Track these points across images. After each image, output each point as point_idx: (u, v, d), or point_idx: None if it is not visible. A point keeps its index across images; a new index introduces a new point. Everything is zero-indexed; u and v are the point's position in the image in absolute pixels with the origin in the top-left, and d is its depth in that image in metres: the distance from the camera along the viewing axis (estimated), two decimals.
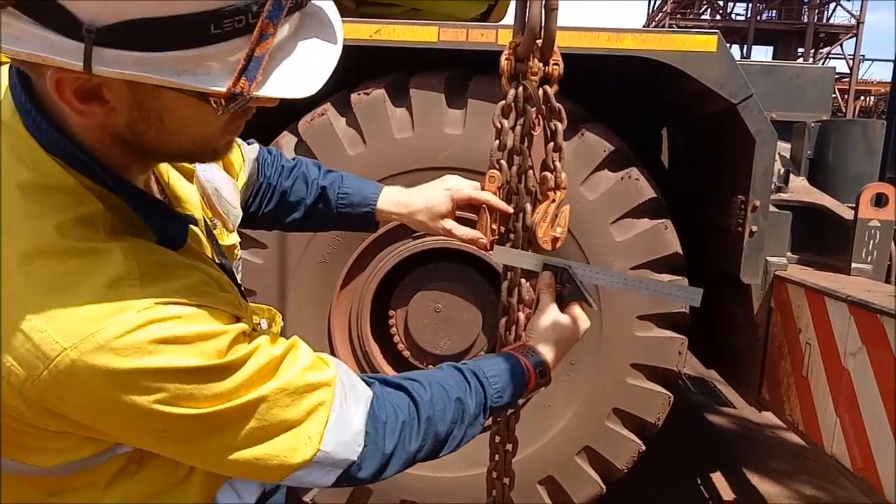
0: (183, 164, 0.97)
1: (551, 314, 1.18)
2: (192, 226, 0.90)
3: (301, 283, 2.66)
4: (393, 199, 1.37)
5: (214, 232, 1.03)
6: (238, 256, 1.12)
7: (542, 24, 1.16)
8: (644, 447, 2.72)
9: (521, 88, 1.24)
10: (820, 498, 3.70)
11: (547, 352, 1.14)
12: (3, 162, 0.74)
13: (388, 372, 2.78)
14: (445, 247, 2.64)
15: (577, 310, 1.20)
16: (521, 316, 1.35)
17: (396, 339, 2.81)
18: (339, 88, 2.67)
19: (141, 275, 0.72)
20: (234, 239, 1.08)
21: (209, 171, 1.06)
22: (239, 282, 1.03)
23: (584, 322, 1.20)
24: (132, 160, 0.81)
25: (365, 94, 2.59)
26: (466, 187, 1.34)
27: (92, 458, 0.80)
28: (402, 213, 1.37)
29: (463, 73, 2.62)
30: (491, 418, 1.06)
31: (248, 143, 1.35)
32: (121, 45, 0.64)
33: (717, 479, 3.84)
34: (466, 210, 1.39)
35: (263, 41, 0.67)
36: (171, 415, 0.72)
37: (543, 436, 2.71)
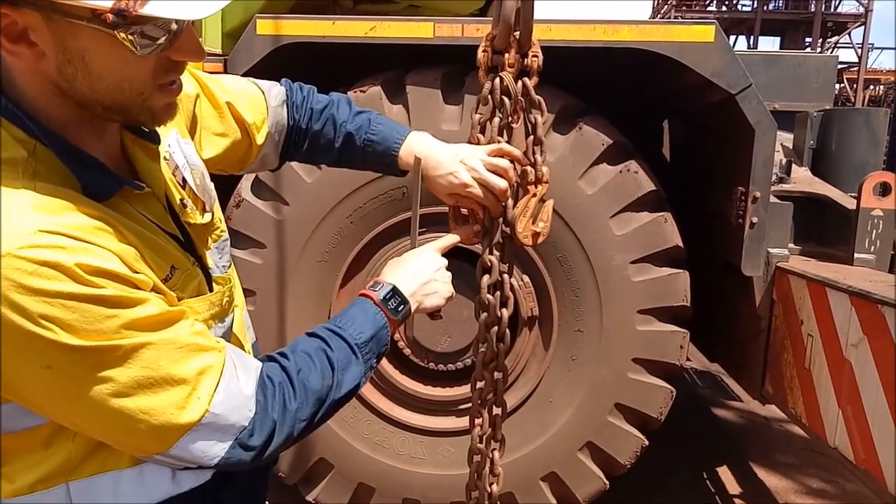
0: (148, 144, 0.99)
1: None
2: (145, 195, 0.93)
3: (300, 282, 2.66)
4: (412, 149, 1.31)
5: (186, 210, 1.04)
6: (221, 238, 1.13)
7: (519, 15, 1.14)
8: (647, 442, 2.71)
9: (497, 80, 1.23)
10: (828, 491, 3.67)
11: (393, 279, 1.16)
12: None
13: (390, 370, 2.78)
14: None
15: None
16: (504, 313, 1.34)
17: (397, 336, 2.81)
18: (336, 86, 2.67)
19: (34, 205, 0.76)
20: (207, 218, 1.10)
21: (193, 157, 1.09)
22: (199, 254, 1.03)
23: (418, 249, 1.25)
24: (77, 116, 0.85)
25: (361, 91, 2.59)
26: (473, 186, 1.27)
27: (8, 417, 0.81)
28: (412, 164, 1.31)
29: (459, 69, 2.61)
30: (376, 354, 1.07)
31: (279, 84, 1.35)
32: None
33: (724, 472, 3.82)
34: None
35: None
36: (51, 342, 0.73)
37: (545, 432, 2.70)
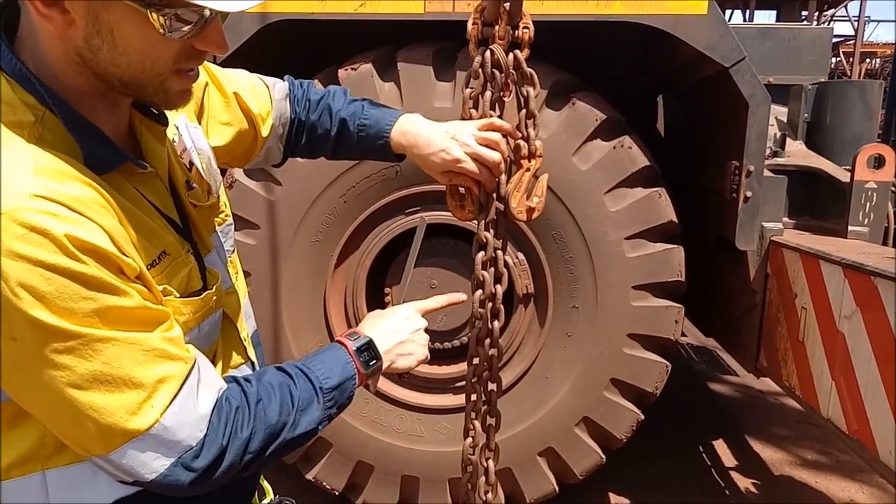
0: (155, 125, 0.99)
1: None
2: (147, 175, 0.93)
3: (295, 262, 2.66)
4: (403, 129, 1.30)
5: (191, 191, 1.05)
6: (225, 222, 1.15)
7: None
8: (643, 416, 2.73)
9: (488, 53, 1.21)
10: (822, 462, 3.72)
11: (371, 332, 1.15)
12: None
13: None
14: (440, 222, 2.63)
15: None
16: (499, 289, 1.34)
17: None
18: (326, 64, 2.64)
19: (34, 168, 0.77)
20: (212, 200, 1.11)
21: (201, 141, 1.10)
22: (196, 241, 1.03)
23: (401, 307, 1.25)
24: (92, 87, 0.86)
25: (352, 69, 2.56)
26: (466, 161, 1.26)
27: None
28: (404, 145, 1.31)
29: (451, 45, 2.58)
30: (338, 403, 1.04)
31: (282, 80, 1.37)
32: None
33: (719, 445, 3.86)
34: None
35: None
36: (21, 312, 0.73)
37: (542, 407, 2.72)
